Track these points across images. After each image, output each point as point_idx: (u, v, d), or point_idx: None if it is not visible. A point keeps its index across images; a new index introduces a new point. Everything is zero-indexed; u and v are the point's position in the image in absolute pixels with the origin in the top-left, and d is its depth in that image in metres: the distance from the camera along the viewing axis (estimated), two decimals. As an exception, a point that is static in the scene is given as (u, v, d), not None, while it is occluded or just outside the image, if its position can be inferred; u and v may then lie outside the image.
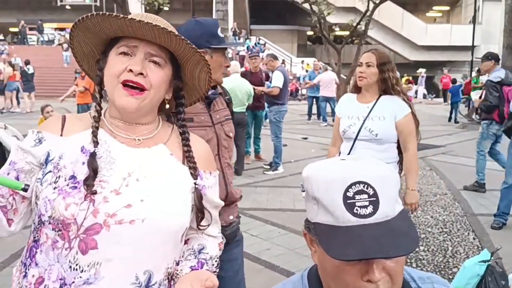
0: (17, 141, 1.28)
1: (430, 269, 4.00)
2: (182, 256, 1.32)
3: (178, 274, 1.27)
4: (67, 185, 1.16)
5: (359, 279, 0.93)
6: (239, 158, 7.11)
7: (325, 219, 0.94)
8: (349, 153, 3.10)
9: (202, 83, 1.38)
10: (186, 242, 1.35)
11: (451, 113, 15.71)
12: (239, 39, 27.35)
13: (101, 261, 1.15)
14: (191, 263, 1.31)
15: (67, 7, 32.33)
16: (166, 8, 15.40)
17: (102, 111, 1.29)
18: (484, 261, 3.17)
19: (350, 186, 0.91)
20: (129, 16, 1.20)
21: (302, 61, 28.85)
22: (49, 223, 1.17)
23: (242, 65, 18.27)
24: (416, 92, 25.05)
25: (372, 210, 0.90)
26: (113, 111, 1.28)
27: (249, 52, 13.24)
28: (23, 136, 1.32)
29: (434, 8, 37.58)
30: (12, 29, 34.06)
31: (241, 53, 24.40)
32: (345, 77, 16.09)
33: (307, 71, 22.71)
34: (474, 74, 14.87)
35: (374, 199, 0.91)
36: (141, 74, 1.21)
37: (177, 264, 1.30)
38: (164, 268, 1.23)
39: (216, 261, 1.37)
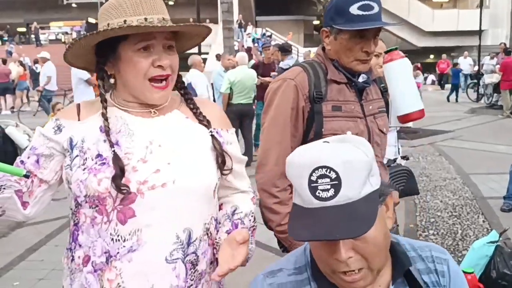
0: (39, 127, 1.33)
1: (440, 252, 4.03)
2: (218, 222, 1.37)
3: (218, 243, 1.33)
4: (96, 163, 1.21)
5: (330, 256, 0.98)
6: (247, 149, 7.15)
7: (296, 200, 1.00)
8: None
9: (191, 46, 1.42)
10: (220, 208, 1.41)
11: (450, 94, 17.22)
12: (245, 31, 27.29)
13: (141, 228, 1.20)
14: (226, 227, 1.35)
15: (73, 5, 32.51)
16: (171, 3, 15.41)
17: (108, 95, 1.32)
18: (493, 242, 3.19)
19: (314, 171, 0.94)
20: (145, 17, 1.20)
21: (309, 51, 28.73)
22: (86, 202, 1.22)
23: (251, 57, 18.25)
24: (425, 78, 24.90)
25: (333, 193, 0.93)
26: (127, 95, 1.30)
27: (255, 44, 13.23)
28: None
29: (441, -7, 37.19)
30: (19, 29, 34.27)
31: (248, 45, 24.35)
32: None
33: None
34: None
35: (336, 182, 0.93)
36: (169, 66, 1.25)
37: (216, 220, 1.36)
38: (202, 225, 1.29)
39: (252, 216, 1.41)
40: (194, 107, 1.37)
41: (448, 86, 19.94)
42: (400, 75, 2.23)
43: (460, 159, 7.52)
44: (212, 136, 1.34)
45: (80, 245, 1.26)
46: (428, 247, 1.17)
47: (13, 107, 16.03)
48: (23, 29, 33.43)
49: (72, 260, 1.28)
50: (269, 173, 1.70)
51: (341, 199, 0.93)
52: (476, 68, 18.22)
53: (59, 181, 1.31)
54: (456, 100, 16.87)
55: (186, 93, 1.40)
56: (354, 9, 1.60)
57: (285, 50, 7.66)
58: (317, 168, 0.94)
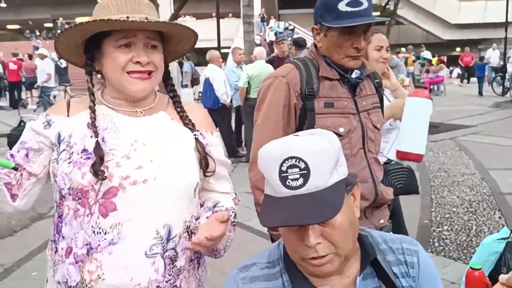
0: (29, 122, 1.38)
1: (453, 248, 4.00)
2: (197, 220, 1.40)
3: (196, 227, 1.36)
4: (81, 157, 1.27)
5: (300, 243, 1.03)
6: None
7: (268, 191, 1.06)
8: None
9: (185, 50, 1.47)
10: (202, 206, 1.45)
11: (480, 87, 16.72)
12: (267, 25, 27.22)
13: (122, 221, 1.25)
14: (207, 214, 1.39)
15: (99, 0, 32.93)
16: (193, -3, 15.45)
17: (99, 94, 1.38)
18: (504, 239, 3.15)
19: (284, 161, 1.00)
20: (127, 15, 1.24)
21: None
22: (69, 195, 1.27)
23: (272, 51, 18.19)
24: (451, 72, 24.41)
25: (303, 182, 1.00)
26: (113, 92, 1.36)
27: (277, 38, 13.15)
28: None
29: (469, -16, 36.28)
30: (46, 25, 35.00)
31: (270, 39, 24.27)
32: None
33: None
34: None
35: (305, 172, 0.99)
36: (148, 63, 1.30)
37: (197, 219, 1.39)
38: (182, 222, 1.33)
39: (232, 212, 1.44)
40: (181, 110, 1.42)
41: (474, 80, 19.54)
42: (417, 113, 2.19)
43: (480, 154, 7.39)
44: (196, 139, 1.38)
45: (63, 237, 1.30)
46: (399, 240, 1.20)
47: (38, 102, 16.40)
48: (50, 25, 34.09)
49: (56, 251, 1.32)
50: None
51: (310, 187, 0.99)
52: (502, 61, 17.79)
53: (48, 174, 1.36)
54: (481, 94, 16.55)
55: (174, 96, 1.45)
56: (342, 6, 1.61)
57: (299, 44, 7.62)
58: (287, 159, 1.00)
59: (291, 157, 1.00)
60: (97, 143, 1.27)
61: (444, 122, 9.68)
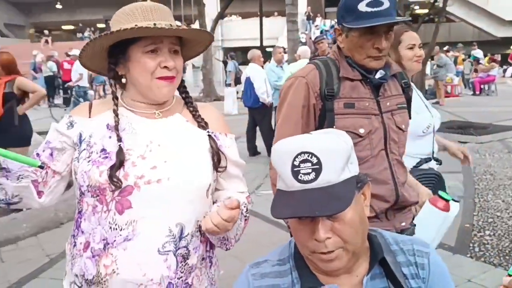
0: (54, 123, 1.47)
1: (494, 253, 3.87)
2: None
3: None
4: (99, 156, 1.34)
5: (310, 238, 1.05)
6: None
7: (280, 185, 1.08)
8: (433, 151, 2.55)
9: (195, 54, 1.53)
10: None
11: None
12: (313, 23, 27.07)
13: (137, 219, 1.31)
14: (218, 204, 1.40)
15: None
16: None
17: (120, 97, 1.44)
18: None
19: (297, 156, 1.03)
20: (154, 22, 1.31)
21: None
22: (88, 191, 1.34)
23: (317, 49, 18.03)
24: (504, 71, 23.40)
25: (314, 177, 1.02)
26: (135, 95, 1.42)
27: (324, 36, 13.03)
28: None
29: (526, -22, 34.55)
30: (99, 25, 36.28)
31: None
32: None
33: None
34: None
35: (317, 167, 1.02)
36: (173, 67, 1.38)
37: None
38: (194, 221, 1.37)
39: (245, 207, 1.47)
40: (194, 110, 1.48)
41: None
42: (431, 222, 2.05)
43: (531, 157, 7.07)
44: (209, 136, 1.43)
45: (82, 232, 1.37)
46: (411, 241, 1.21)
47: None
48: (103, 25, 35.32)
49: (74, 246, 1.40)
50: None
51: (321, 182, 1.02)
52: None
53: (71, 173, 1.44)
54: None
55: (187, 97, 1.51)
56: (362, 6, 1.61)
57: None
58: (299, 154, 1.03)
59: (304, 152, 1.02)
60: (120, 147, 1.33)
61: (493, 123, 9.30)
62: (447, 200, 2.01)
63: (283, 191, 1.06)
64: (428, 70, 16.33)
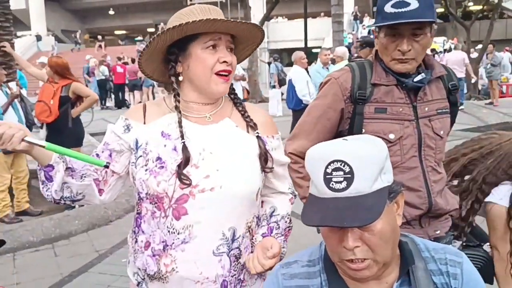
0: (110, 125, 1.53)
1: None
2: (259, 218, 1.53)
3: (254, 243, 1.50)
4: (156, 166, 1.40)
5: (339, 245, 1.06)
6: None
7: (312, 191, 1.09)
8: None
9: (243, 57, 1.58)
10: (261, 205, 1.56)
11: None
12: (361, 23, 26.66)
13: (193, 224, 1.39)
14: (263, 230, 1.51)
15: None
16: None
17: (171, 98, 1.47)
18: None
19: (329, 164, 1.03)
20: (211, 15, 1.37)
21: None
22: (147, 198, 1.43)
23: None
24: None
25: (346, 186, 1.01)
26: (190, 94, 1.47)
27: (372, 36, 12.78)
28: None
29: None
30: (149, 30, 37.35)
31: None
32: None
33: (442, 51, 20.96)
34: None
35: (349, 176, 1.01)
36: (231, 63, 1.43)
37: (258, 218, 1.52)
38: (244, 224, 1.46)
39: (287, 218, 1.56)
40: (243, 110, 1.53)
41: None
42: None
43: None
44: (258, 137, 1.48)
45: (143, 231, 1.46)
46: (443, 250, 1.19)
47: (140, 102, 17.56)
48: (152, 30, 36.33)
49: (136, 242, 1.49)
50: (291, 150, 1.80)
51: (352, 191, 1.01)
52: None
53: (128, 172, 1.50)
54: None
55: (235, 97, 1.57)
56: (388, 7, 1.60)
57: (371, 45, 7.28)
58: (332, 162, 1.03)
59: (337, 160, 1.02)
60: (184, 144, 1.39)
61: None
62: None
63: (315, 197, 1.07)
64: (481, 70, 15.70)
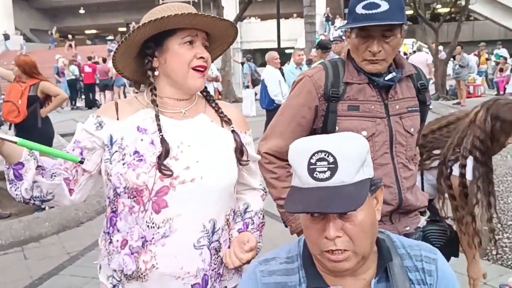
0: (80, 123, 1.51)
1: (511, 257, 3.82)
2: (235, 213, 1.55)
3: (230, 239, 1.51)
4: (134, 159, 1.38)
5: (321, 236, 1.07)
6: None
7: (295, 183, 1.10)
8: None
9: (214, 57, 1.59)
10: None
11: None
12: (332, 24, 26.92)
13: (173, 217, 1.38)
14: (238, 226, 1.54)
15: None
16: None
17: (144, 95, 1.49)
18: None
19: (314, 154, 1.05)
20: (184, 11, 1.37)
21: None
22: (125, 193, 1.39)
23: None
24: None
25: (329, 175, 1.04)
26: (165, 90, 1.47)
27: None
28: None
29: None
30: (120, 29, 36.81)
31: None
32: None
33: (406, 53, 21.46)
34: None
35: (333, 166, 1.03)
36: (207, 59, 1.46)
37: (234, 212, 1.54)
38: (223, 216, 1.47)
39: (261, 214, 1.60)
40: (217, 106, 1.55)
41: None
42: None
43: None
44: (233, 131, 1.50)
45: (118, 230, 1.42)
46: (419, 246, 1.21)
47: (112, 102, 17.26)
48: (124, 29, 35.84)
49: (110, 243, 1.45)
50: (265, 149, 1.83)
51: (335, 181, 1.03)
52: None
53: (99, 171, 1.49)
54: None
55: (208, 94, 1.58)
56: (359, 9, 1.62)
57: (324, 47, 7.26)
58: (316, 152, 1.05)
59: (321, 151, 1.05)
60: (162, 137, 1.38)
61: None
62: None
63: (298, 188, 1.08)
64: (449, 70, 16.08)
